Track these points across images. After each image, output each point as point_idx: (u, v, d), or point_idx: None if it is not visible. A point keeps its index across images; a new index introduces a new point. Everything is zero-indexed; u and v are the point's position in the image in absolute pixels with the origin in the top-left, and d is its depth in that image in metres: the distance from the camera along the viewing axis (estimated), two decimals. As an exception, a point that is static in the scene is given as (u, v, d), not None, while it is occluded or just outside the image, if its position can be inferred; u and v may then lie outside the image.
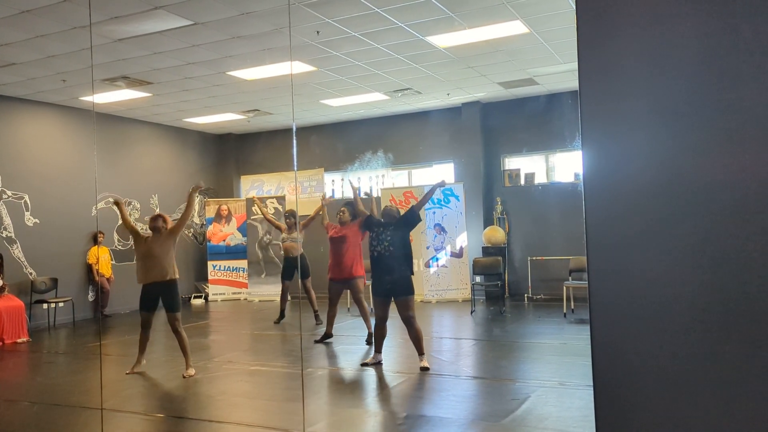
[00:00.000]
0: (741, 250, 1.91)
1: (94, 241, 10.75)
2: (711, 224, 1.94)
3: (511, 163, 11.63)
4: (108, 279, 10.78)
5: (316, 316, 8.85)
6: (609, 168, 2.09)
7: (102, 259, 10.72)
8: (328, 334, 7.51)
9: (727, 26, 1.94)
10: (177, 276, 6.24)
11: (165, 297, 6.16)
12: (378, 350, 6.27)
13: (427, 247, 11.21)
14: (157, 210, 12.32)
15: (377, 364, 6.20)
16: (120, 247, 11.50)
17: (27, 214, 9.94)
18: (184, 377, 5.97)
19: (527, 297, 10.87)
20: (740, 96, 1.92)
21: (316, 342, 7.49)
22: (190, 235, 13.20)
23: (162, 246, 6.12)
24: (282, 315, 9.17)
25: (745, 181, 1.91)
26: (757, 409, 1.89)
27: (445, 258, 11.14)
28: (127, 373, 6.22)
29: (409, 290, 6.01)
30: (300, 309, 10.44)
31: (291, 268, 9.17)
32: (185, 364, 6.13)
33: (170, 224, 6.27)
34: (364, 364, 6.23)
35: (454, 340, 7.68)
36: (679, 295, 1.98)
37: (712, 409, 1.94)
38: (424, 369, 5.87)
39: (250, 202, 12.92)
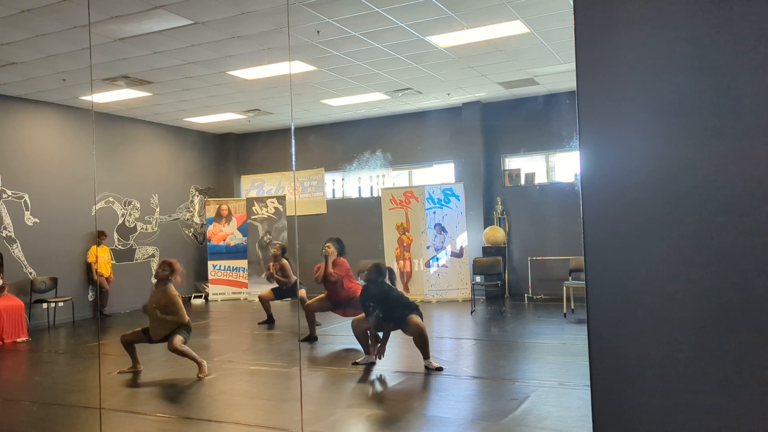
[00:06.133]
0: (738, 249, 1.90)
1: (94, 240, 10.75)
2: (708, 223, 1.94)
3: (512, 163, 11.62)
4: (107, 279, 10.77)
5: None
6: (606, 167, 2.09)
7: (101, 258, 10.71)
8: (314, 336, 7.76)
9: (724, 27, 1.93)
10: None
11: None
12: (367, 351, 6.32)
13: (428, 247, 11.21)
14: (158, 210, 12.33)
15: (371, 364, 6.22)
16: (120, 247, 11.49)
17: (27, 213, 9.94)
18: (200, 377, 5.96)
19: (527, 297, 10.86)
20: (736, 95, 1.92)
21: (301, 341, 7.67)
22: (191, 234, 13.20)
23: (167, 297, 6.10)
24: (269, 318, 9.25)
25: (741, 179, 1.90)
26: (755, 408, 1.88)
27: (445, 258, 11.14)
28: (118, 372, 6.23)
29: (416, 314, 6.05)
30: (299, 310, 10.42)
31: (282, 292, 9.23)
32: (199, 368, 6.10)
33: (178, 269, 6.18)
34: (354, 363, 6.26)
35: (454, 340, 7.68)
36: (676, 293, 1.97)
37: (710, 408, 1.93)
38: (439, 369, 5.87)
39: (251, 201, 12.93)
